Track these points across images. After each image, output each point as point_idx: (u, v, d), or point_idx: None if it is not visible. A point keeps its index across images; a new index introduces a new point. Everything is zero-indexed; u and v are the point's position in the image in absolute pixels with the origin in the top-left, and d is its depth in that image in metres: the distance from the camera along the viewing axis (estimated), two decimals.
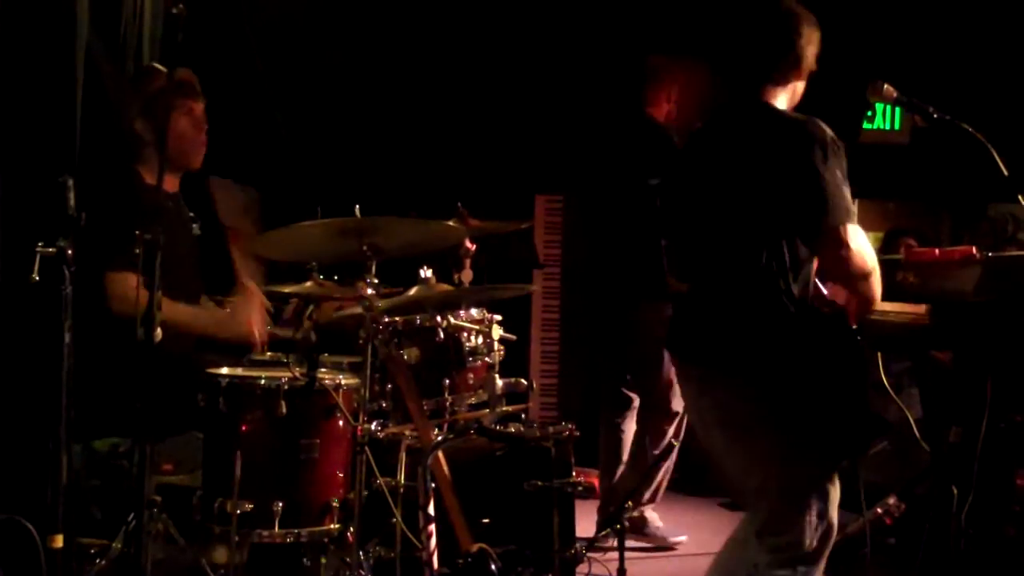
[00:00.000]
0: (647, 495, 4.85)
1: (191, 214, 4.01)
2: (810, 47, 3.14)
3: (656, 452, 4.72)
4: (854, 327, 3.01)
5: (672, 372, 4.64)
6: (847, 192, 2.93)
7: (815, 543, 3.02)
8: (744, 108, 3.16)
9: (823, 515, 3.03)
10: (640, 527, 4.81)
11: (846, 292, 3.03)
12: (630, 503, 4.09)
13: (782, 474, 3.03)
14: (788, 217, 2.96)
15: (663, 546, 4.86)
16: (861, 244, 2.92)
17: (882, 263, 3.64)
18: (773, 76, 3.13)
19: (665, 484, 4.96)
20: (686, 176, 3.28)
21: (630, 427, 4.90)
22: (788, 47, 3.12)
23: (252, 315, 3.85)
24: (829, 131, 2.98)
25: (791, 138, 2.99)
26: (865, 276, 2.95)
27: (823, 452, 3.01)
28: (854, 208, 2.95)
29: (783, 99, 3.15)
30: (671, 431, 4.76)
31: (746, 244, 3.02)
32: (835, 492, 3.08)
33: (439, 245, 3.68)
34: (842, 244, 2.90)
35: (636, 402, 4.92)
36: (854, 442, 3.07)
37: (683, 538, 4.91)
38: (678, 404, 4.71)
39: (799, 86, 3.18)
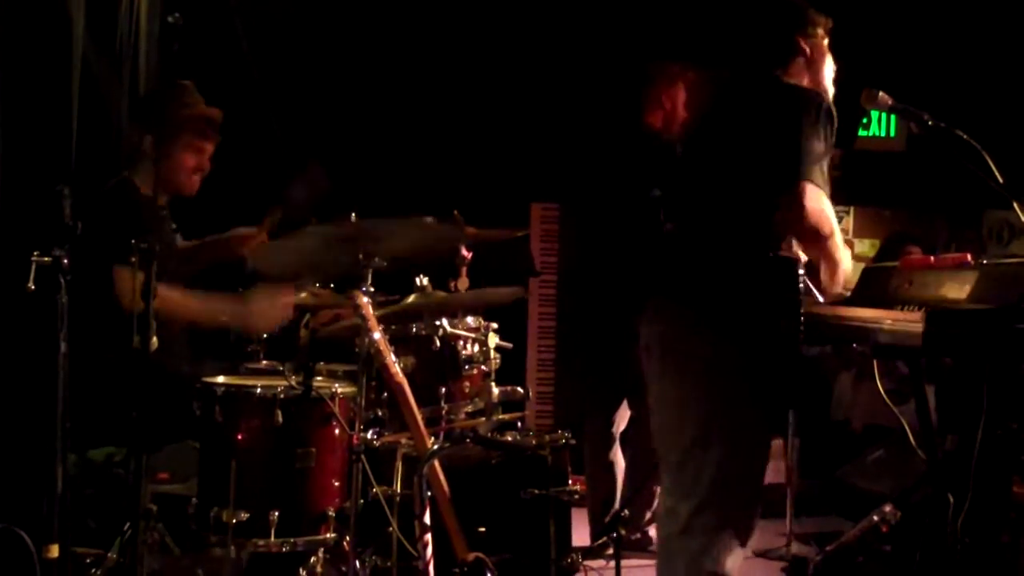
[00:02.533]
0: (648, 515, 4.83)
1: (174, 226, 4.02)
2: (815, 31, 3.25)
3: (648, 467, 4.70)
4: (820, 293, 3.14)
5: None
6: (821, 155, 3.00)
7: (736, 499, 3.05)
8: (754, 83, 3.25)
9: (745, 474, 3.06)
10: (644, 546, 4.80)
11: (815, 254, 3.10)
12: (626, 512, 4.10)
13: (706, 412, 3.05)
14: (761, 164, 3.04)
15: None
16: (818, 204, 2.98)
17: (878, 270, 3.65)
18: (784, 60, 3.23)
19: None
20: (692, 142, 3.41)
21: (619, 459, 4.87)
22: (789, 39, 3.23)
23: (271, 307, 3.81)
24: (827, 102, 3.06)
25: (787, 99, 3.10)
26: (823, 236, 3.01)
27: (751, 402, 3.04)
28: (823, 173, 3.01)
29: (799, 80, 3.23)
30: None
31: (727, 191, 3.11)
32: (760, 455, 3.11)
33: (436, 252, 3.67)
34: (799, 197, 2.95)
35: (620, 429, 4.89)
36: (778, 405, 3.14)
37: None
38: None
39: (815, 72, 3.25)
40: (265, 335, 3.84)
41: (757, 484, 3.13)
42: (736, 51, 3.35)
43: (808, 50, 3.24)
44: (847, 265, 3.14)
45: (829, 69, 3.30)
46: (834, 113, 3.06)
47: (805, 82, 3.23)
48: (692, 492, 3.06)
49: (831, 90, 3.29)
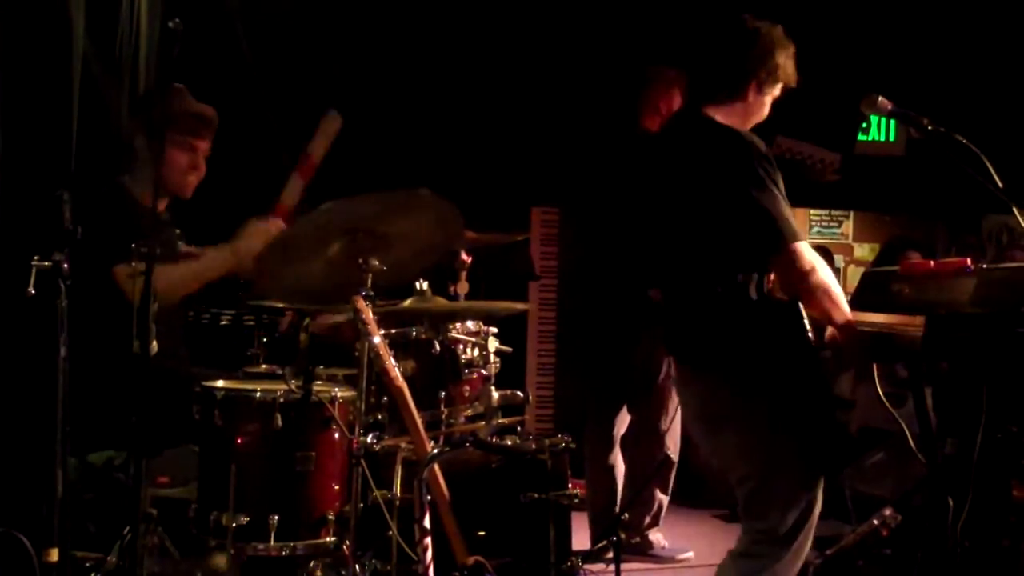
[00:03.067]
0: (648, 519, 4.83)
1: (177, 231, 4.02)
2: (770, 63, 3.21)
3: (648, 472, 4.71)
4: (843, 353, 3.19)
5: (663, 394, 4.66)
6: (787, 208, 3.04)
7: (790, 526, 3.09)
8: (688, 120, 3.26)
9: (799, 501, 3.10)
10: (643, 550, 4.80)
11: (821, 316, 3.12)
12: (626, 516, 4.09)
13: (754, 464, 3.13)
14: (740, 243, 3.06)
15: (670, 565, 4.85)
16: (813, 260, 3.04)
17: (878, 274, 3.65)
18: (718, 93, 3.21)
19: (665, 506, 4.93)
20: (645, 184, 3.40)
21: (619, 463, 4.87)
22: (738, 64, 3.20)
23: (267, 233, 3.76)
24: (761, 145, 3.09)
25: (728, 153, 3.08)
26: (825, 290, 3.05)
27: (791, 441, 3.09)
28: (795, 223, 3.07)
29: (735, 113, 3.21)
30: (662, 449, 4.75)
31: (703, 254, 3.14)
32: (811, 498, 3.14)
33: (435, 251, 3.66)
34: (797, 262, 3.01)
35: (620, 433, 4.89)
36: (819, 432, 3.14)
37: (690, 554, 4.89)
38: (666, 424, 4.72)
39: (759, 101, 3.24)
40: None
41: (809, 520, 3.14)
42: (693, 65, 3.35)
43: (752, 99, 3.22)
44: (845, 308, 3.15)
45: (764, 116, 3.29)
46: (771, 155, 3.09)
47: (741, 119, 3.22)
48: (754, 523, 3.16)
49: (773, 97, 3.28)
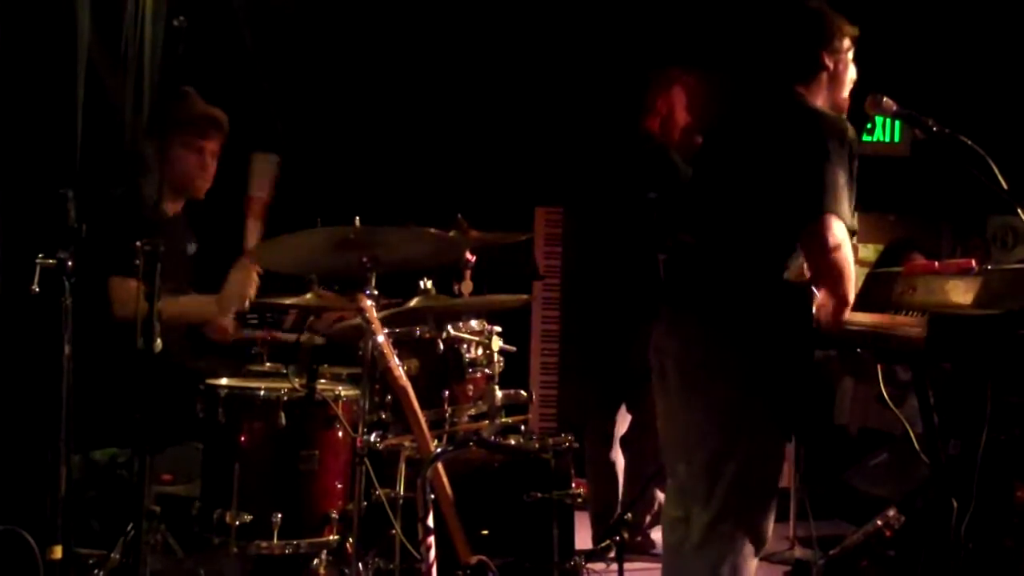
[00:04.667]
0: (649, 518, 4.83)
1: (188, 231, 4.03)
2: (831, 28, 3.24)
3: (649, 471, 4.70)
4: (821, 328, 3.14)
5: None
6: (846, 187, 3.01)
7: (745, 515, 3.09)
8: (774, 99, 3.24)
9: (760, 473, 3.10)
10: (646, 549, 4.80)
11: (823, 292, 3.11)
12: (629, 515, 4.09)
13: (724, 426, 3.10)
14: (786, 191, 3.04)
15: None
16: (842, 239, 3.00)
17: (881, 275, 3.65)
18: (798, 73, 3.22)
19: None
20: (709, 151, 3.40)
21: (620, 461, 4.87)
22: (819, 41, 3.22)
23: (242, 288, 3.83)
24: (851, 131, 3.06)
25: (812, 125, 3.07)
26: (840, 272, 3.02)
27: (767, 415, 3.09)
28: (849, 209, 3.03)
29: (821, 84, 3.23)
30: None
31: (750, 213, 3.12)
32: (776, 464, 3.17)
33: (440, 259, 3.67)
34: (823, 230, 2.97)
35: (621, 432, 4.89)
36: (792, 416, 3.16)
37: None
38: None
39: (838, 61, 3.25)
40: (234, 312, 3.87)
41: (773, 493, 3.17)
42: (758, 61, 3.35)
43: (831, 66, 3.23)
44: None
45: (850, 81, 3.30)
46: (855, 144, 3.07)
47: (824, 99, 3.23)
48: (708, 504, 3.10)
49: (848, 98, 3.30)
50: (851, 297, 3.08)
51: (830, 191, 2.98)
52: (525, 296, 4.02)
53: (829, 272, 3.03)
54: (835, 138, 3.02)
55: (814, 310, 3.15)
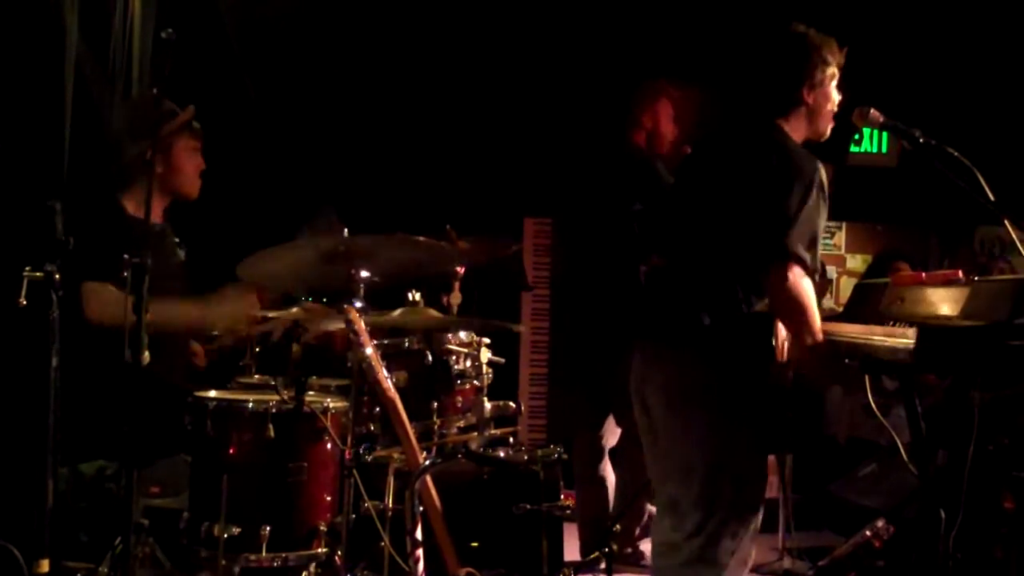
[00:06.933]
0: (639, 530, 4.83)
1: (176, 240, 4.02)
2: (814, 59, 3.28)
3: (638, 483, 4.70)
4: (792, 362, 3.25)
5: None
6: (806, 229, 3.10)
7: (738, 530, 3.17)
8: (752, 131, 3.30)
9: (750, 501, 3.19)
10: (636, 561, 4.80)
11: (786, 329, 3.22)
12: (618, 527, 4.09)
13: (709, 453, 3.18)
14: (748, 232, 3.13)
15: None
16: (797, 279, 3.10)
17: (869, 286, 3.66)
18: (778, 105, 3.29)
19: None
20: (685, 175, 3.49)
21: (609, 474, 4.88)
22: (800, 77, 3.27)
23: (242, 304, 3.81)
24: (821, 172, 3.14)
25: (780, 165, 3.14)
26: (798, 311, 3.13)
27: (750, 438, 3.19)
28: (811, 249, 3.12)
29: (801, 117, 3.30)
30: None
31: (719, 243, 3.21)
32: (761, 482, 3.28)
33: (430, 271, 3.67)
34: (782, 277, 3.08)
35: (610, 444, 4.89)
36: (774, 436, 3.28)
37: None
38: None
39: (820, 95, 3.30)
40: (228, 334, 3.86)
41: (758, 509, 3.23)
42: (741, 89, 3.40)
43: (811, 101, 3.28)
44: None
45: (832, 109, 3.34)
46: (827, 187, 3.15)
47: (803, 132, 3.30)
48: (697, 526, 3.19)
49: (831, 124, 3.33)
50: (815, 329, 3.16)
51: (790, 232, 3.06)
52: (519, 327, 4.03)
53: (788, 312, 3.15)
54: (802, 179, 3.09)
55: (782, 345, 3.23)
